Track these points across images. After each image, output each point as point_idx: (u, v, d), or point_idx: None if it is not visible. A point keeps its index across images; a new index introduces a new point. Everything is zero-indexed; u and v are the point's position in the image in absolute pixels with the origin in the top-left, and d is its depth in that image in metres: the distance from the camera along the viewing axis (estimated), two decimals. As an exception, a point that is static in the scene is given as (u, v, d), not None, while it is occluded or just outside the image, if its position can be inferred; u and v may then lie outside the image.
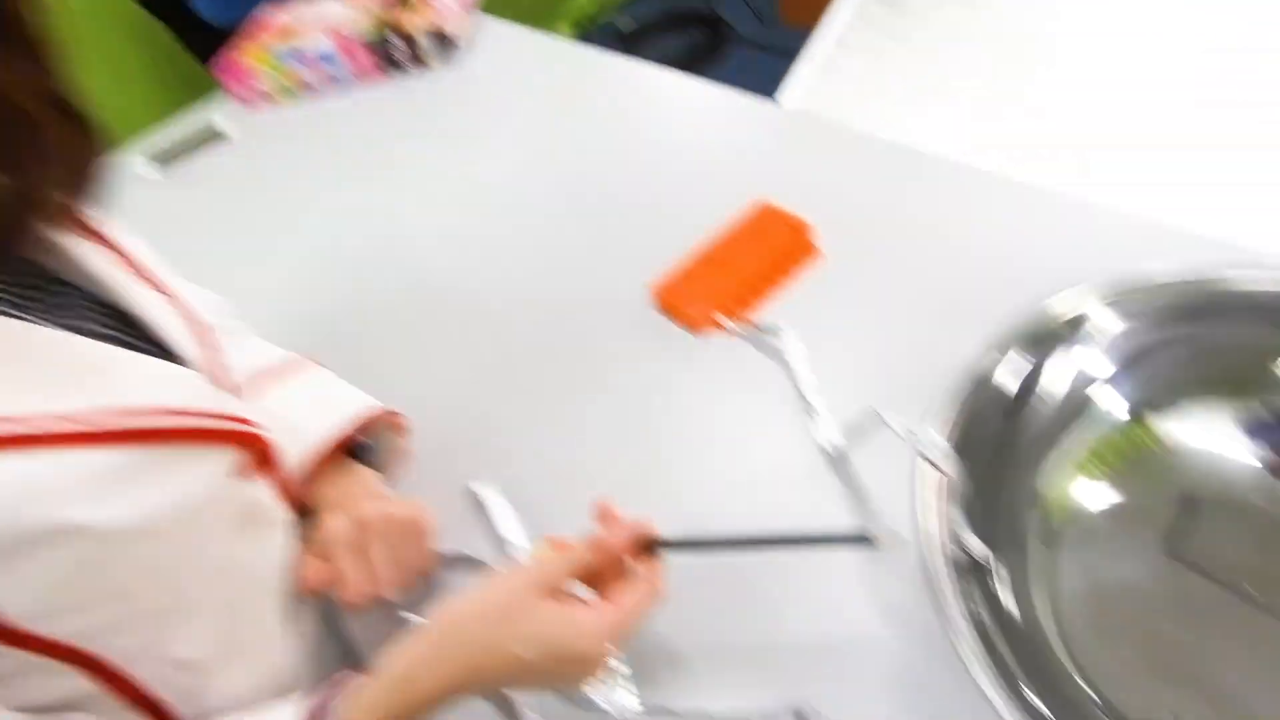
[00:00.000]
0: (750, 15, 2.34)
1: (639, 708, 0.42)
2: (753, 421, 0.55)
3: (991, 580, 0.40)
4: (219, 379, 0.43)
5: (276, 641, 0.45)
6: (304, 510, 0.48)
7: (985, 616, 0.37)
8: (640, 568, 0.38)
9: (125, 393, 0.36)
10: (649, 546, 0.38)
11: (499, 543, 0.52)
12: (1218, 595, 0.39)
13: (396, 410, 0.55)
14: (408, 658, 0.37)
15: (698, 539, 0.38)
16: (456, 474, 0.56)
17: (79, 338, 0.36)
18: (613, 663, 0.44)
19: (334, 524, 0.47)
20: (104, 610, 0.35)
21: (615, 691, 0.43)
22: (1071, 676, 0.37)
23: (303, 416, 0.50)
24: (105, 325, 0.40)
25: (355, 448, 0.52)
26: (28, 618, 0.32)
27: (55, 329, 0.35)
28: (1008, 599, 0.39)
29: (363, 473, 0.52)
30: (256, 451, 0.43)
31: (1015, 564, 0.40)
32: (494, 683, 0.37)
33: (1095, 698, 0.37)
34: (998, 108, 1.20)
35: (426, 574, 0.50)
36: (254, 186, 0.97)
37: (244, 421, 0.42)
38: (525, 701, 0.41)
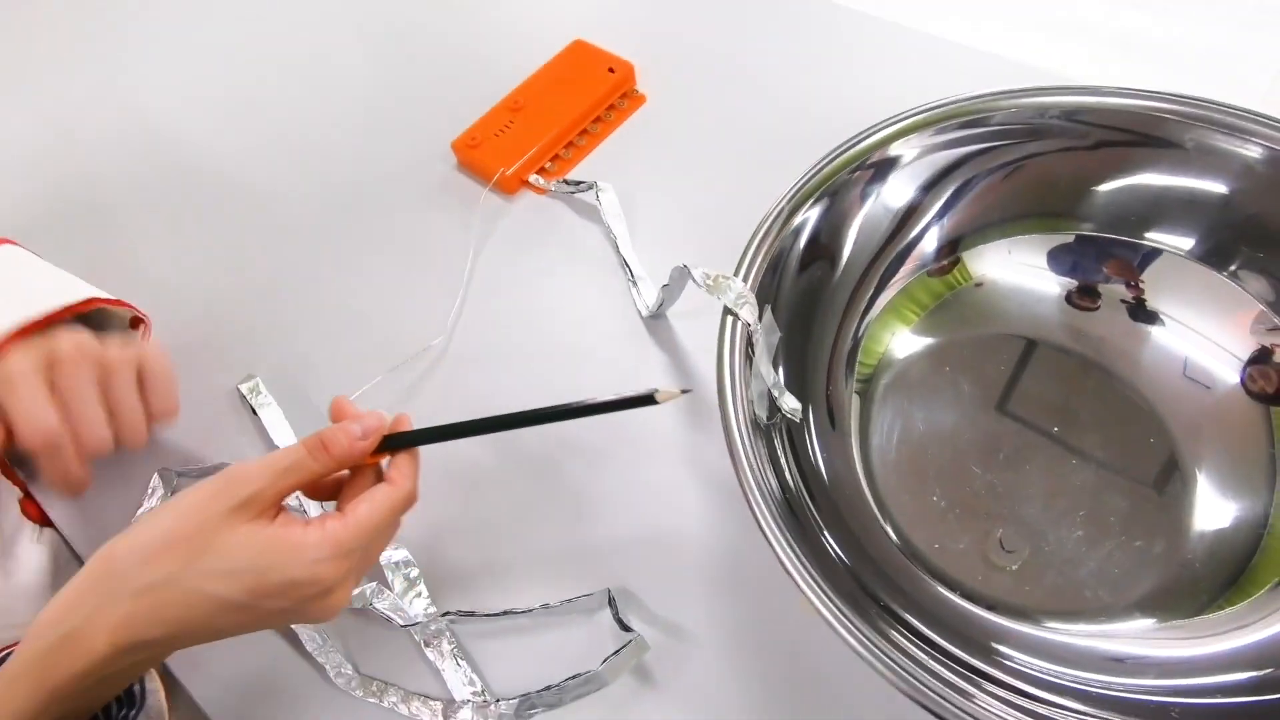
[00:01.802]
0: None
1: (431, 610, 0.38)
2: (568, 287, 0.49)
3: (806, 436, 0.37)
4: None
5: None
6: None
7: (793, 476, 0.34)
8: (389, 467, 0.31)
9: None
10: (389, 443, 0.31)
11: (267, 447, 0.45)
12: (1024, 434, 0.38)
13: (127, 302, 0.45)
14: (57, 617, 0.28)
15: (449, 426, 0.31)
16: (226, 373, 0.47)
17: None
18: (395, 567, 0.39)
19: (9, 360, 0.36)
20: None
21: (404, 599, 0.38)
22: (880, 529, 0.36)
23: None
24: None
25: None
26: None
27: None
28: (819, 455, 0.36)
29: None
30: None
31: (828, 418, 0.38)
32: (192, 635, 0.28)
33: (901, 546, 0.36)
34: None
35: (160, 420, 0.40)
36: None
37: None
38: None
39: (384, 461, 0.32)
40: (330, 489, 0.33)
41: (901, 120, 0.36)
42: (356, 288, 0.51)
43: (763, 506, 0.29)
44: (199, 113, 0.63)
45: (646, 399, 0.30)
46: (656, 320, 0.47)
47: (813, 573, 0.28)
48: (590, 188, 0.52)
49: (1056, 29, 0.74)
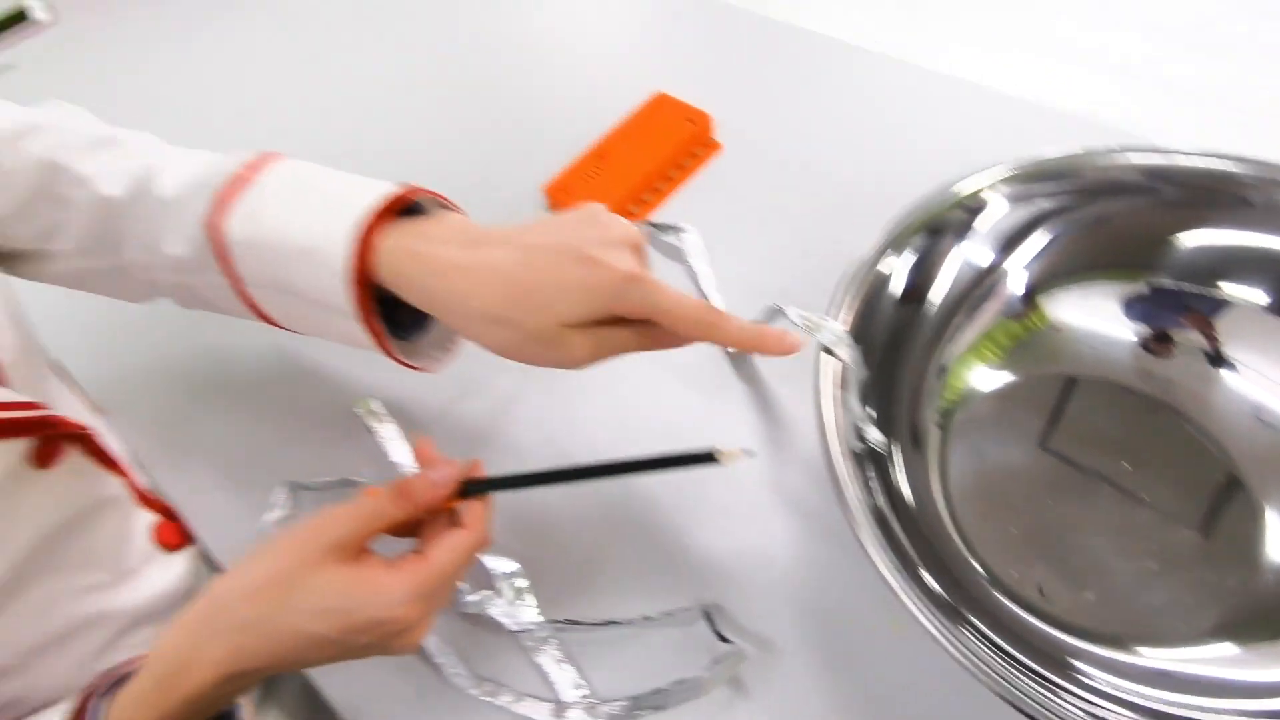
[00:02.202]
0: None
1: (539, 619, 0.41)
2: (654, 324, 0.53)
3: (890, 467, 0.40)
4: None
5: (120, 614, 0.42)
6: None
7: (882, 502, 0.37)
8: (463, 513, 0.33)
9: None
10: (466, 490, 0.33)
11: (387, 467, 0.48)
12: (1096, 469, 0.41)
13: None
14: (173, 645, 0.31)
15: (523, 475, 0.34)
16: (340, 396, 0.52)
17: None
18: (503, 577, 0.42)
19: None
20: None
21: (514, 606, 0.41)
22: (961, 554, 0.38)
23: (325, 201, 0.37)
24: None
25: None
26: None
27: None
28: (904, 484, 0.39)
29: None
30: (52, 439, 0.38)
31: (912, 449, 0.40)
32: (287, 664, 0.31)
33: (983, 573, 0.38)
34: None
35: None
36: (71, 72, 0.84)
37: (18, 406, 0.36)
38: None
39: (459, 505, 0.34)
40: (409, 528, 0.34)
41: (988, 175, 0.39)
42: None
43: (865, 529, 0.32)
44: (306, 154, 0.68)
45: (707, 458, 0.32)
46: (739, 358, 0.50)
47: (913, 589, 0.30)
48: (675, 230, 0.56)
49: (1131, 83, 0.77)
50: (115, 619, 0.42)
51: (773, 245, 0.55)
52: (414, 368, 0.40)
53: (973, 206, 0.40)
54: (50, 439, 0.38)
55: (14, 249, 0.44)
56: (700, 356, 0.51)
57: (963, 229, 0.40)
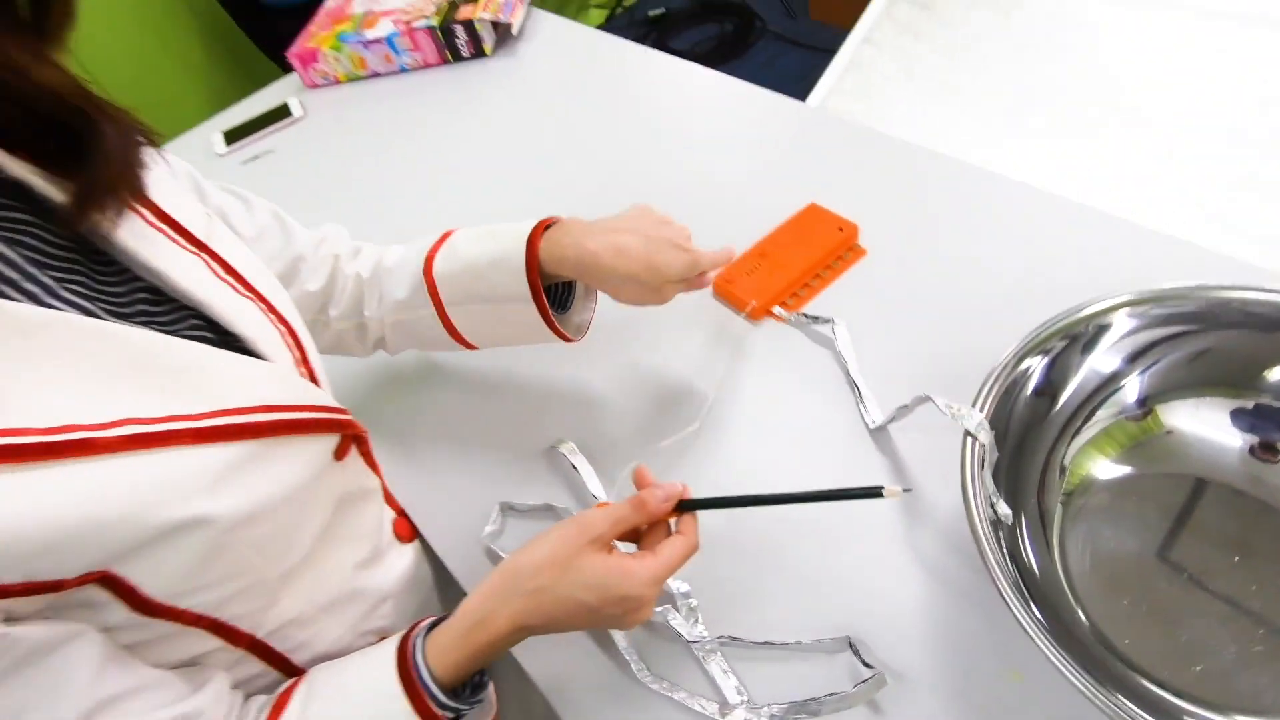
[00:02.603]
0: (780, 9, 2.38)
1: (707, 633, 0.50)
2: (802, 398, 0.63)
3: (1018, 538, 0.47)
4: (303, 369, 0.48)
5: (373, 590, 0.53)
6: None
7: (1010, 567, 0.45)
8: (679, 524, 0.45)
9: (225, 393, 0.39)
10: (681, 506, 0.45)
11: (580, 496, 0.59)
12: (1205, 560, 0.46)
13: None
14: (479, 602, 0.43)
15: (724, 498, 0.45)
16: (540, 437, 0.63)
17: (181, 342, 0.39)
18: (680, 596, 0.51)
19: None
20: (225, 585, 0.39)
21: (688, 620, 0.50)
22: (1078, 617, 0.45)
23: (494, 242, 0.58)
24: (191, 326, 0.42)
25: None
26: (164, 596, 0.36)
27: (151, 334, 0.37)
28: (1029, 553, 0.46)
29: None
30: (348, 436, 0.49)
31: (1038, 525, 0.48)
32: (557, 624, 0.43)
33: (1097, 635, 0.44)
34: (1026, 115, 1.26)
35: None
36: (322, 160, 1.03)
37: (332, 410, 0.46)
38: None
39: (671, 520, 0.46)
40: (633, 534, 0.46)
41: (1115, 300, 0.47)
42: (631, 377, 0.67)
43: (1004, 584, 0.39)
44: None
45: (874, 492, 0.42)
46: (879, 432, 0.59)
47: (1049, 638, 0.38)
48: (827, 322, 0.65)
49: (1248, 225, 0.83)
50: (371, 594, 0.53)
51: (910, 341, 0.64)
52: (566, 338, 0.59)
53: (1102, 324, 0.48)
54: (346, 437, 0.50)
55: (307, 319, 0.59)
56: (844, 434, 0.59)
57: (1090, 341, 0.48)
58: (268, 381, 0.42)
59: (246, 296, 0.46)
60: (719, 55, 2.28)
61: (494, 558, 0.58)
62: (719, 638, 0.49)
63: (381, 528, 0.57)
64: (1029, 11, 1.41)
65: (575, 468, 0.59)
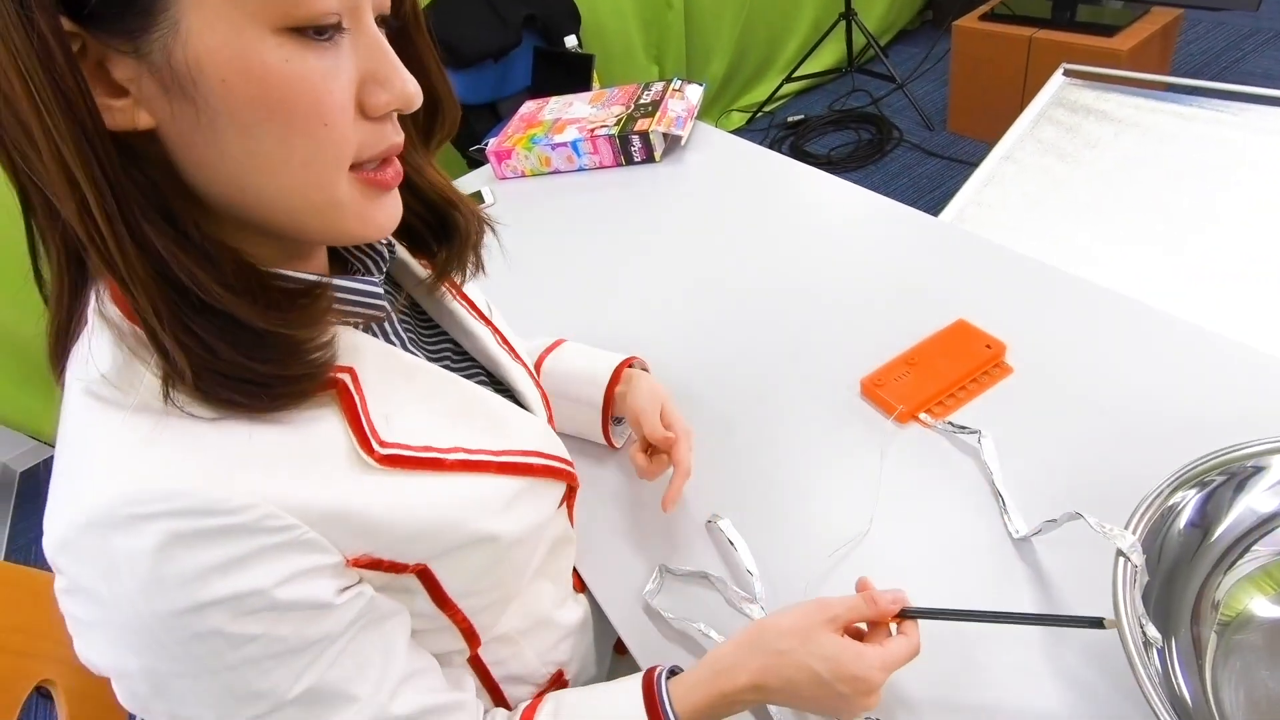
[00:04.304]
0: (918, 120, 2.47)
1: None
2: (946, 503, 0.66)
3: (1168, 664, 0.49)
4: (551, 426, 0.59)
5: (560, 625, 0.60)
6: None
7: (1162, 691, 0.47)
8: (901, 627, 0.49)
9: (513, 437, 0.49)
10: (903, 613, 0.50)
11: (734, 568, 0.65)
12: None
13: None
14: (727, 653, 0.49)
15: (944, 610, 0.49)
16: (700, 511, 0.70)
17: (488, 392, 0.50)
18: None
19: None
20: (489, 594, 0.48)
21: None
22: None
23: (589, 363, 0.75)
24: (480, 380, 0.55)
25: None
26: (454, 594, 0.45)
27: (473, 384, 0.49)
28: (1179, 678, 0.48)
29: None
30: (570, 488, 0.58)
31: (1189, 654, 0.49)
32: (791, 689, 0.46)
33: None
34: (1177, 246, 1.26)
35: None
36: (506, 242, 1.17)
37: (569, 462, 0.56)
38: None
39: (892, 625, 0.50)
40: (857, 634, 0.50)
41: (1274, 442, 0.50)
42: (781, 466, 0.73)
43: (1159, 703, 0.42)
44: (675, 339, 0.92)
45: (1095, 622, 0.45)
46: (1022, 543, 0.62)
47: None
48: (974, 432, 0.70)
49: None
50: (558, 628, 0.61)
51: (1054, 460, 0.67)
52: (613, 445, 0.76)
53: (1259, 465, 0.50)
54: (569, 488, 0.59)
55: None
56: (988, 543, 0.63)
57: (1247, 480, 0.51)
58: (537, 432, 0.53)
59: (518, 363, 0.57)
60: (854, 161, 2.38)
61: (651, 612, 0.64)
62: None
63: (569, 573, 0.64)
64: (1182, 143, 1.42)
65: (732, 543, 0.65)
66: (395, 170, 0.40)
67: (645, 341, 0.86)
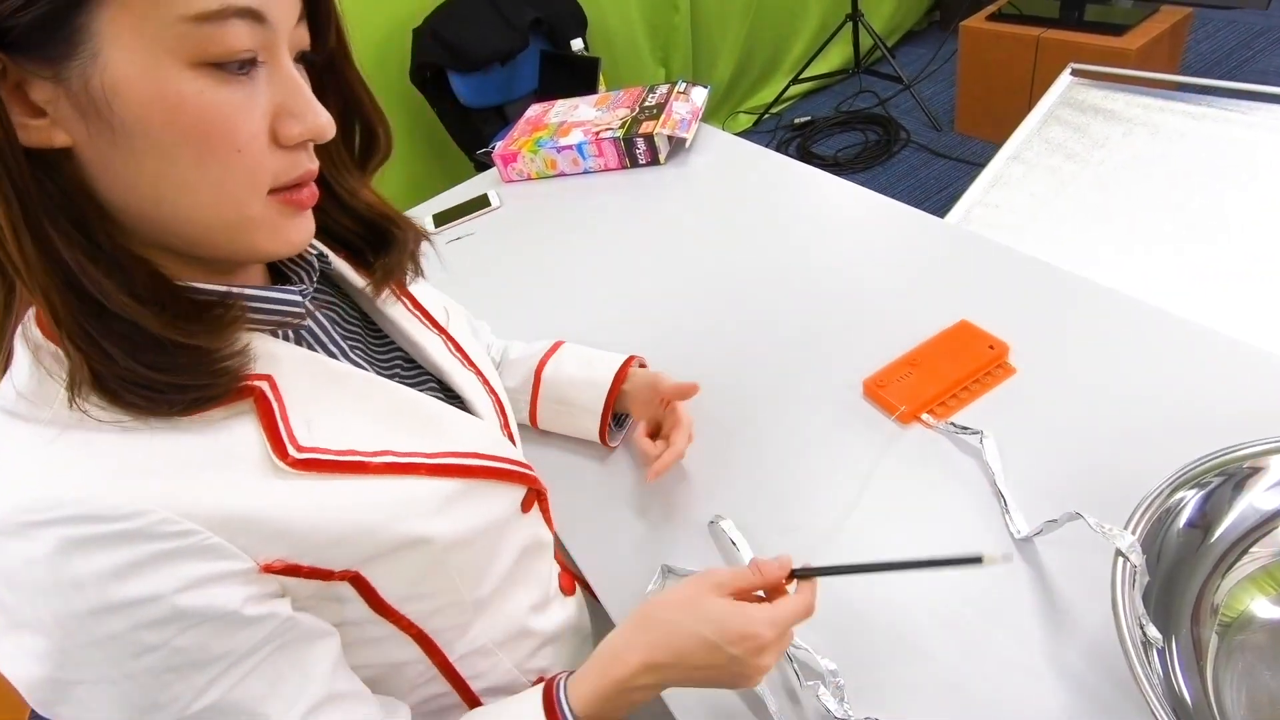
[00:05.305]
0: (925, 121, 2.47)
1: (851, 713, 0.54)
2: (947, 503, 0.66)
3: (1168, 664, 0.49)
4: (505, 431, 0.60)
5: (539, 633, 0.60)
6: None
7: (1162, 691, 0.47)
8: (798, 588, 0.50)
9: (453, 440, 0.50)
10: (795, 574, 0.51)
11: (733, 566, 0.65)
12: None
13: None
14: (615, 639, 0.49)
15: (833, 567, 0.50)
16: (703, 511, 0.71)
17: (424, 395, 0.50)
18: (829, 674, 0.56)
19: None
20: (434, 599, 0.48)
21: (835, 697, 0.55)
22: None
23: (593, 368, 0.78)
24: (429, 387, 0.55)
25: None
26: (393, 600, 0.45)
27: (406, 388, 0.49)
28: (1179, 678, 0.48)
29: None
30: (532, 491, 0.58)
31: (1189, 654, 0.49)
32: (684, 662, 0.46)
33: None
34: (1183, 246, 1.26)
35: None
36: (513, 244, 1.19)
37: (524, 466, 0.56)
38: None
39: (790, 586, 0.51)
40: (755, 600, 0.51)
41: (1272, 443, 0.50)
42: (784, 465, 0.73)
43: (1156, 702, 0.42)
44: (673, 337, 0.93)
45: (975, 560, 0.46)
46: (1023, 543, 0.62)
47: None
48: (975, 433, 0.70)
49: None
50: (538, 635, 0.60)
51: (1056, 460, 0.67)
52: (609, 446, 0.78)
53: (1256, 466, 0.50)
54: (531, 491, 0.59)
55: None
56: (989, 542, 0.63)
57: (1246, 480, 0.51)
58: (481, 436, 0.53)
59: (469, 370, 0.58)
60: (861, 162, 2.38)
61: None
62: (864, 718, 0.53)
63: (550, 578, 0.65)
64: (1192, 143, 1.41)
65: (734, 543, 0.66)
66: (311, 192, 0.42)
67: (650, 342, 0.87)
